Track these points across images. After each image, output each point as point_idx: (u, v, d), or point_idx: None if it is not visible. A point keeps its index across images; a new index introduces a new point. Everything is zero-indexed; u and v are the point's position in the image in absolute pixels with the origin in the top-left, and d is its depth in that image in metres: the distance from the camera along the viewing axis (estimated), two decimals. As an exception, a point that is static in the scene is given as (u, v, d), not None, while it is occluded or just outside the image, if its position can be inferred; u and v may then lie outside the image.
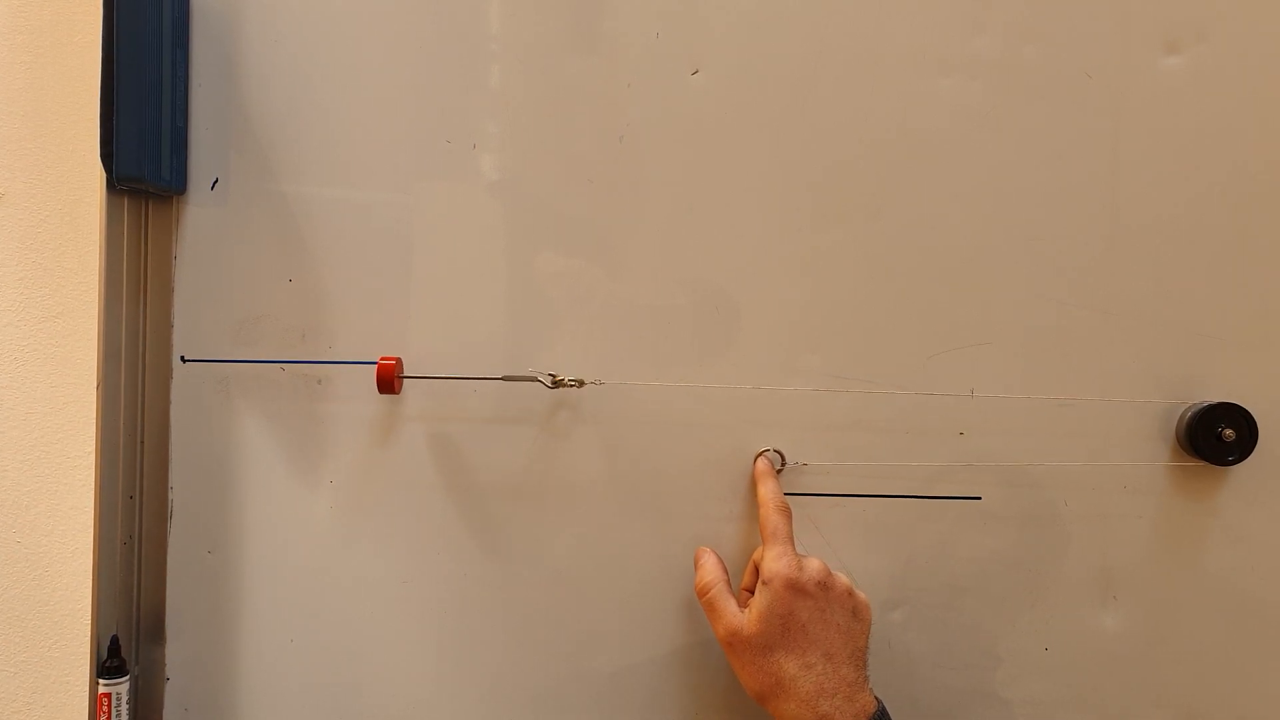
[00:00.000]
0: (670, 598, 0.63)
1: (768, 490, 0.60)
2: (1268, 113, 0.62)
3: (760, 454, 0.63)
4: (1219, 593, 0.63)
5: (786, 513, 0.59)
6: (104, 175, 0.59)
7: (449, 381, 0.62)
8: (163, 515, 0.64)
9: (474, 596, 0.64)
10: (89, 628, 0.60)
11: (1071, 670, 0.63)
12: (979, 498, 0.63)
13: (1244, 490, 0.63)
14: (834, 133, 0.63)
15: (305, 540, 0.64)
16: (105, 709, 0.60)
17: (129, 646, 0.62)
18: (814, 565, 0.56)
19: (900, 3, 0.62)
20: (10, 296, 0.70)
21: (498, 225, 0.63)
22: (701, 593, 0.59)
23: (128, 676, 0.61)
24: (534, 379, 0.62)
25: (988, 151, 0.62)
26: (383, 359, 0.61)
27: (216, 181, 0.63)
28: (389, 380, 0.60)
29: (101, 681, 0.60)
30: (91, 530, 0.60)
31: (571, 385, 0.62)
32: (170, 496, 0.64)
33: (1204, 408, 0.61)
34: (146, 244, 0.63)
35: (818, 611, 0.55)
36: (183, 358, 0.63)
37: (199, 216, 0.63)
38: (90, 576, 0.60)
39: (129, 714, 0.61)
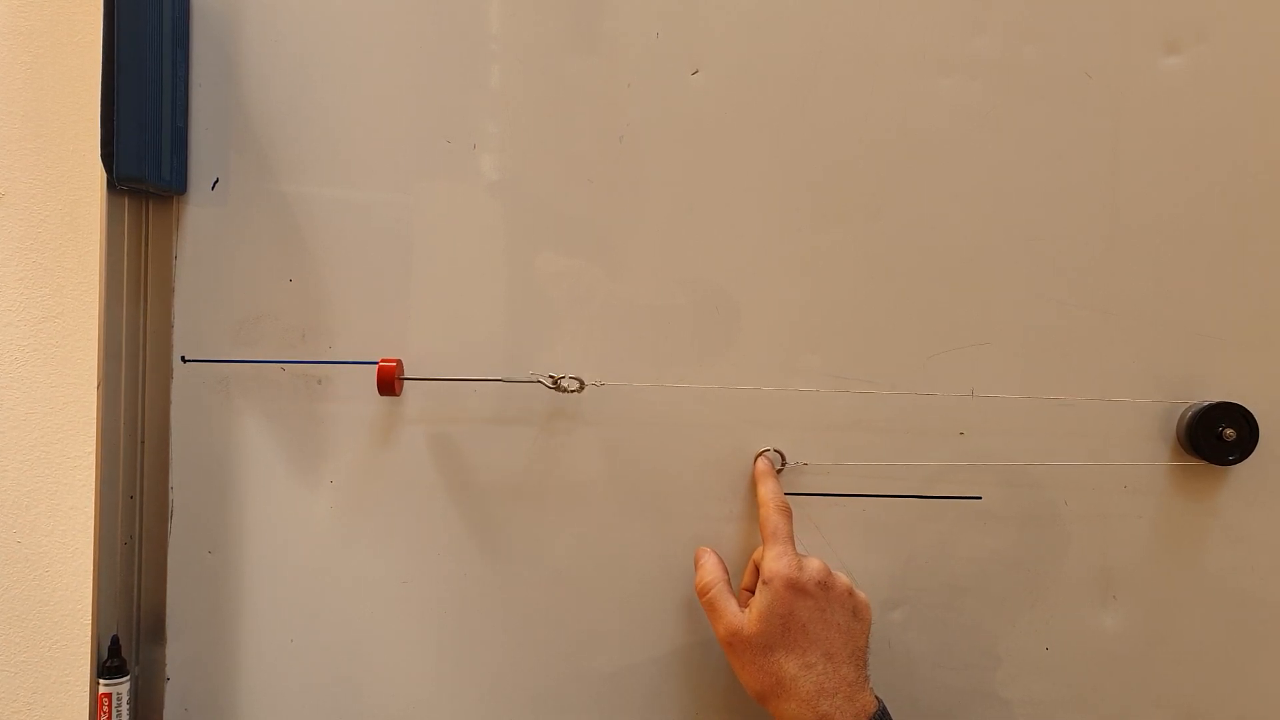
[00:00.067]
0: (670, 598, 0.63)
1: (768, 490, 0.60)
2: (1268, 113, 0.62)
3: (760, 454, 0.63)
4: (1219, 593, 0.63)
5: (787, 512, 0.59)
6: (104, 175, 0.59)
7: (449, 381, 0.62)
8: (163, 515, 0.64)
9: (474, 596, 0.64)
10: (89, 628, 0.60)
11: (1071, 670, 0.63)
12: (979, 498, 0.63)
13: (1244, 490, 0.63)
14: (834, 133, 0.63)
15: (305, 540, 0.64)
16: (105, 709, 0.60)
17: (129, 646, 0.62)
18: (814, 565, 0.56)
19: (900, 3, 0.62)
20: (10, 296, 0.70)
21: (498, 225, 0.63)
22: (702, 592, 0.59)
23: (128, 676, 0.61)
24: (535, 381, 0.62)
25: (988, 151, 0.62)
26: (383, 361, 0.61)
27: (216, 181, 0.63)
28: (389, 382, 0.60)
29: (102, 681, 0.60)
30: (91, 530, 0.60)
31: (573, 391, 0.62)
32: (170, 496, 0.64)
33: (1204, 407, 0.61)
34: (146, 244, 0.63)
35: (818, 611, 0.55)
36: (183, 358, 0.63)
37: (199, 216, 0.63)
38: (90, 576, 0.60)
39: (129, 714, 0.61)
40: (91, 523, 0.60)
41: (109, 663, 0.60)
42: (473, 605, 0.64)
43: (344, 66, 0.63)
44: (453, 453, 0.63)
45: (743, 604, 0.58)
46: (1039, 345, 0.63)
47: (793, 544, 0.58)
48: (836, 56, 0.62)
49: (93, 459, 0.60)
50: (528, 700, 0.64)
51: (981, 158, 0.62)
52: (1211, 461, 0.61)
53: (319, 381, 0.63)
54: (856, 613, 0.57)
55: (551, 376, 0.62)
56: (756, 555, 0.61)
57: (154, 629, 0.64)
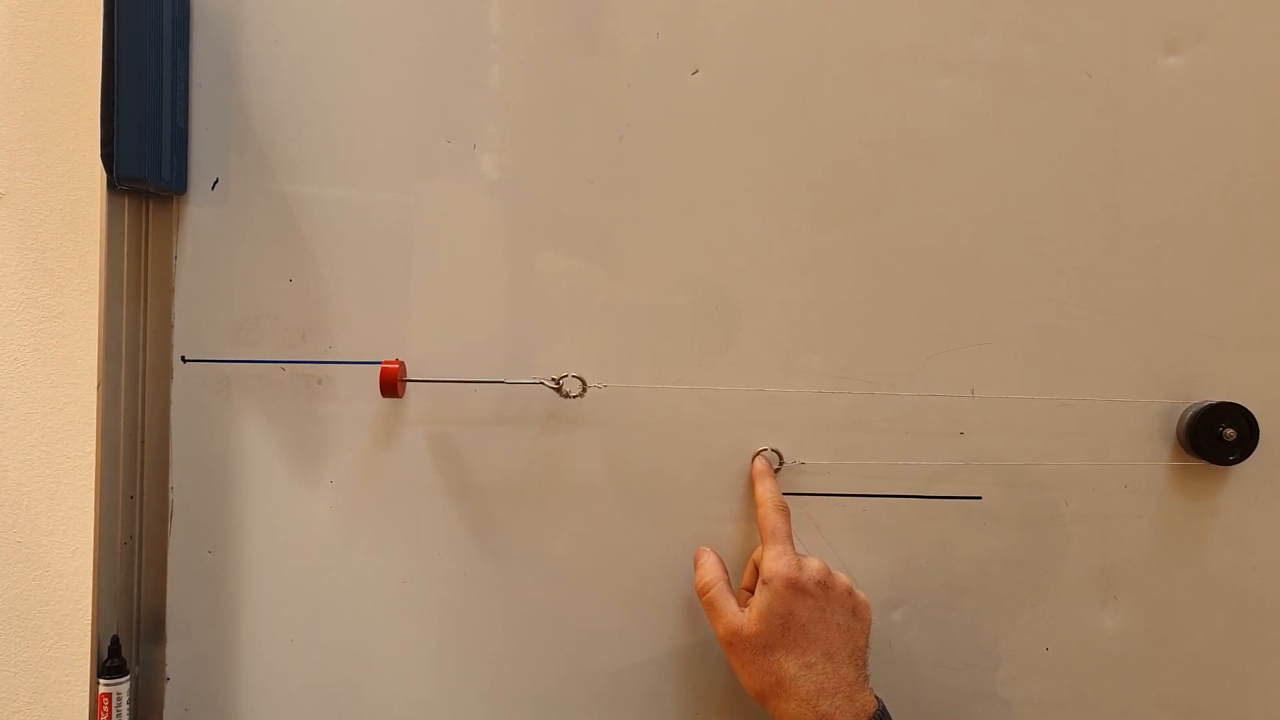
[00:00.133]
0: (670, 598, 0.63)
1: (766, 490, 0.60)
2: (1268, 113, 0.62)
3: (758, 453, 0.63)
4: (1219, 593, 0.63)
5: (785, 512, 0.59)
6: (104, 175, 0.59)
7: (451, 383, 0.62)
8: (163, 515, 0.64)
9: (474, 596, 0.64)
10: (89, 628, 0.60)
11: (1071, 670, 0.63)
12: (979, 498, 0.63)
13: (1244, 490, 0.63)
14: (834, 133, 0.63)
15: (305, 540, 0.64)
16: (105, 709, 0.60)
17: (129, 646, 0.62)
18: (814, 565, 0.56)
19: (900, 3, 0.62)
20: (10, 296, 0.70)
21: (498, 225, 0.63)
22: (701, 592, 0.59)
23: (128, 676, 0.61)
24: (538, 384, 0.62)
25: (988, 151, 0.62)
26: (385, 364, 0.60)
27: (216, 181, 0.63)
28: (392, 384, 0.60)
29: (102, 681, 0.60)
30: (91, 530, 0.60)
31: (575, 396, 0.62)
32: (170, 496, 0.64)
33: (1204, 407, 0.61)
34: (147, 244, 0.63)
35: (818, 611, 0.55)
36: (183, 358, 0.63)
37: (199, 216, 0.63)
38: (90, 576, 0.60)
39: (129, 714, 0.61)
40: (91, 523, 0.60)
41: (109, 663, 0.60)
42: (473, 605, 0.64)
43: (344, 66, 0.63)
44: (453, 452, 0.63)
45: (742, 604, 0.58)
46: (1039, 345, 0.63)
47: (792, 543, 0.58)
48: (836, 56, 0.62)
49: (93, 459, 0.60)
50: (528, 700, 0.64)
51: (981, 158, 0.62)
52: (1211, 461, 0.61)
53: (319, 381, 0.63)
54: (856, 612, 0.57)
55: (554, 380, 0.62)
56: (756, 555, 0.61)
57: (154, 629, 0.64)
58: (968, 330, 0.63)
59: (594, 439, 0.63)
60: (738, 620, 0.56)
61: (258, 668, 0.64)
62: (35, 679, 0.72)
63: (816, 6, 0.62)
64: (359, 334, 0.63)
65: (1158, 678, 0.63)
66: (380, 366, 0.60)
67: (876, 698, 0.55)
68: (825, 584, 0.56)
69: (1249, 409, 0.61)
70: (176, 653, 0.64)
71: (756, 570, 0.59)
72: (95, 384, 0.60)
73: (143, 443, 0.63)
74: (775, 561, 0.56)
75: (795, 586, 0.55)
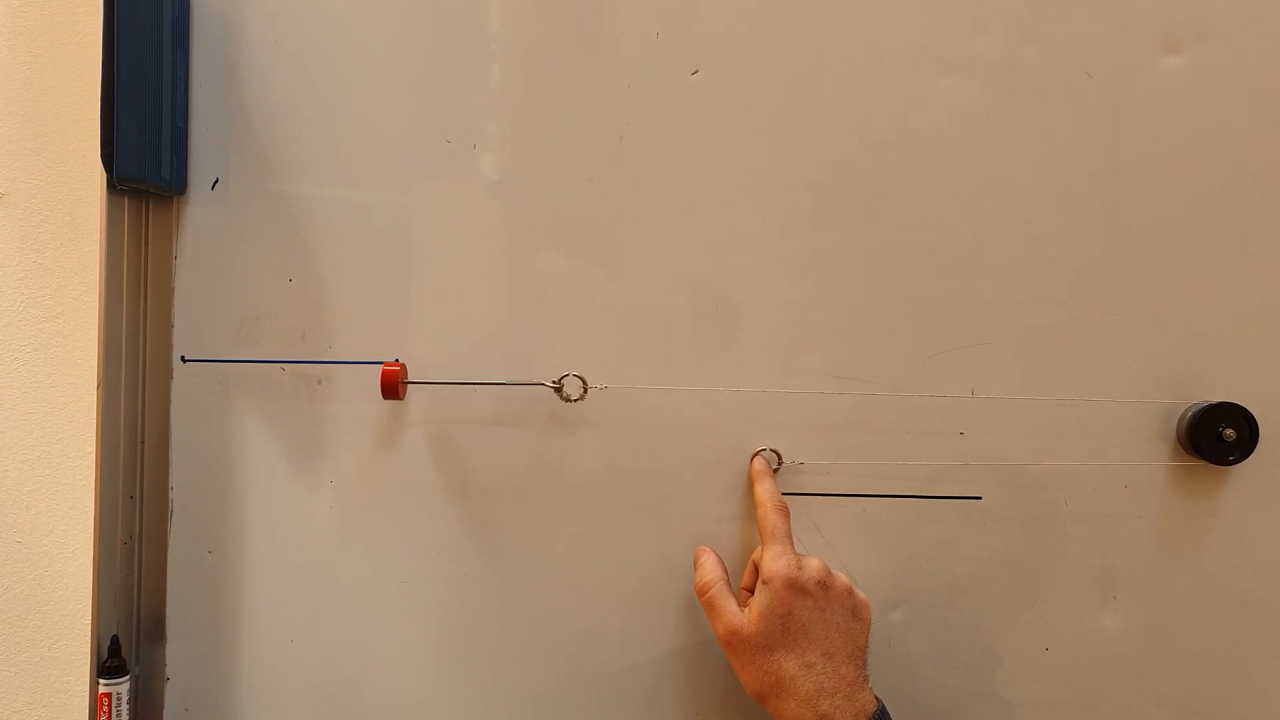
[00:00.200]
0: (670, 598, 0.63)
1: (765, 490, 0.60)
2: (1268, 113, 0.62)
3: (756, 453, 0.63)
4: (1219, 593, 0.63)
5: (784, 512, 0.59)
6: (104, 175, 0.59)
7: (453, 385, 0.63)
8: (163, 515, 0.64)
9: (474, 596, 0.64)
10: (89, 628, 0.60)
11: (1071, 670, 0.63)
12: (979, 498, 0.63)
13: (1244, 490, 0.63)
14: (834, 133, 0.63)
15: (305, 540, 0.64)
16: (105, 709, 0.60)
17: (129, 646, 0.62)
18: (814, 564, 0.56)
19: (900, 3, 0.62)
20: (10, 296, 0.70)
21: (498, 225, 0.63)
22: (701, 592, 0.59)
23: (128, 676, 0.61)
24: (540, 385, 0.62)
25: (988, 151, 0.62)
26: (386, 366, 0.60)
27: (216, 181, 0.63)
28: (393, 386, 0.60)
29: (102, 681, 0.60)
30: (91, 530, 0.60)
31: (576, 400, 0.62)
32: (170, 496, 0.64)
33: (1204, 407, 0.61)
34: (146, 244, 0.63)
35: (818, 611, 0.55)
36: (183, 358, 0.63)
37: (199, 216, 0.63)
38: (90, 576, 0.60)
39: (129, 714, 0.61)
40: (91, 523, 0.60)
41: (109, 663, 0.60)
42: (473, 605, 0.64)
43: (344, 66, 0.63)
44: (453, 452, 0.63)
45: (742, 604, 0.58)
46: (1039, 345, 0.63)
47: (791, 543, 0.58)
48: (836, 56, 0.62)
49: (93, 459, 0.60)
50: (528, 700, 0.64)
51: (981, 158, 0.62)
52: (1211, 461, 0.61)
53: (319, 381, 0.63)
54: (856, 612, 0.57)
55: (555, 382, 0.62)
56: (756, 555, 0.61)
57: (154, 629, 0.64)
58: (968, 330, 0.63)
59: (594, 439, 0.63)
60: (738, 620, 0.56)
61: (258, 668, 0.64)
62: (35, 679, 0.72)
63: (816, 6, 0.62)
64: (359, 334, 0.63)
65: (1158, 678, 0.63)
66: (381, 368, 0.60)
67: (876, 697, 0.55)
68: (825, 584, 0.56)
69: (1249, 409, 0.61)
70: (176, 653, 0.64)
71: (756, 570, 0.59)
72: (95, 384, 0.60)
73: (143, 443, 0.63)
74: (775, 561, 0.56)
75: (795, 586, 0.55)
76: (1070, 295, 0.63)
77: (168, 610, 0.64)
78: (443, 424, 0.63)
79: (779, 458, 0.63)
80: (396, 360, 0.62)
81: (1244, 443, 0.61)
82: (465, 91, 0.63)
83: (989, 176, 0.62)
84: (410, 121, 0.63)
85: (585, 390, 0.62)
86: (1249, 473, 0.62)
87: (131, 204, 0.62)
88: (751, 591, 0.59)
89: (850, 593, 0.57)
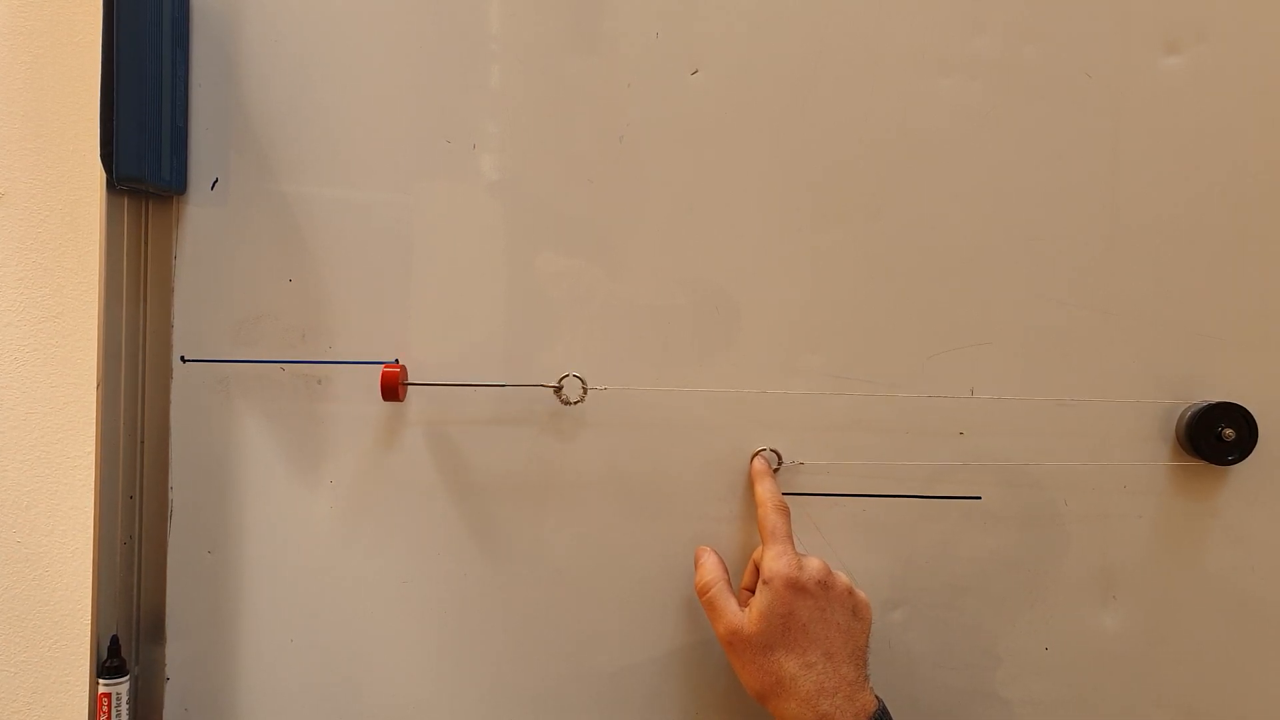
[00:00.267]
0: (670, 598, 0.63)
1: (765, 489, 0.60)
2: (1268, 113, 0.62)
3: (756, 453, 0.63)
4: (1219, 593, 0.63)
5: (785, 511, 0.59)
6: (104, 175, 0.59)
7: (453, 386, 0.63)
8: (163, 515, 0.64)
9: (474, 596, 0.64)
10: (89, 628, 0.60)
11: (1071, 670, 0.63)
12: (979, 498, 0.63)
13: (1244, 490, 0.63)
14: (834, 133, 0.63)
15: (305, 540, 0.64)
16: (105, 709, 0.60)
17: (129, 646, 0.62)
18: (814, 564, 0.56)
19: (900, 3, 0.62)
20: (10, 296, 0.70)
21: (498, 225, 0.63)
22: (702, 592, 0.59)
23: (128, 676, 0.61)
24: (540, 386, 0.62)
25: (988, 151, 0.62)
26: (386, 367, 0.60)
27: (216, 181, 0.63)
28: (393, 388, 0.60)
29: (101, 681, 0.60)
30: (91, 530, 0.60)
31: (575, 402, 0.62)
32: (170, 496, 0.64)
33: (1204, 407, 0.61)
34: (146, 244, 0.63)
35: (818, 610, 0.55)
36: (183, 358, 0.63)
37: (199, 216, 0.63)
38: (90, 576, 0.60)
39: (129, 714, 0.61)
40: (91, 523, 0.60)
41: (109, 663, 0.60)
42: (473, 605, 0.64)
43: (344, 66, 0.63)
44: (453, 452, 0.63)
45: (743, 603, 0.58)
46: (1039, 345, 0.63)
47: (792, 543, 0.58)
48: (836, 56, 0.62)
49: (93, 459, 0.60)
50: (528, 700, 0.64)
51: (981, 158, 0.62)
52: (1211, 461, 0.62)
53: (319, 381, 0.63)
54: (856, 612, 0.57)
55: (555, 384, 0.62)
56: (756, 555, 0.61)
57: (154, 629, 0.64)
58: (968, 330, 0.63)
59: (594, 438, 0.63)
60: (738, 620, 0.56)
61: (258, 668, 0.64)
62: (35, 679, 0.72)
63: (816, 6, 0.62)
64: (359, 334, 0.63)
65: (1158, 678, 0.63)
66: (381, 370, 0.60)
67: (876, 697, 0.55)
68: (825, 583, 0.56)
69: (1248, 409, 0.61)
70: (176, 653, 0.64)
71: (756, 570, 0.59)
72: (95, 384, 0.60)
73: (142, 443, 0.63)
74: (775, 561, 0.56)
75: (795, 586, 0.55)
76: (1070, 295, 0.63)
77: (167, 610, 0.64)
78: (443, 424, 0.63)
79: (779, 458, 0.63)
80: (396, 360, 0.62)
81: (1243, 443, 0.61)
82: (465, 91, 0.63)
83: (989, 176, 0.62)
84: (410, 121, 0.63)
85: (585, 392, 0.62)
86: (1248, 473, 0.62)
87: (131, 204, 0.62)
88: (752, 591, 0.59)
89: (851, 592, 0.57)
